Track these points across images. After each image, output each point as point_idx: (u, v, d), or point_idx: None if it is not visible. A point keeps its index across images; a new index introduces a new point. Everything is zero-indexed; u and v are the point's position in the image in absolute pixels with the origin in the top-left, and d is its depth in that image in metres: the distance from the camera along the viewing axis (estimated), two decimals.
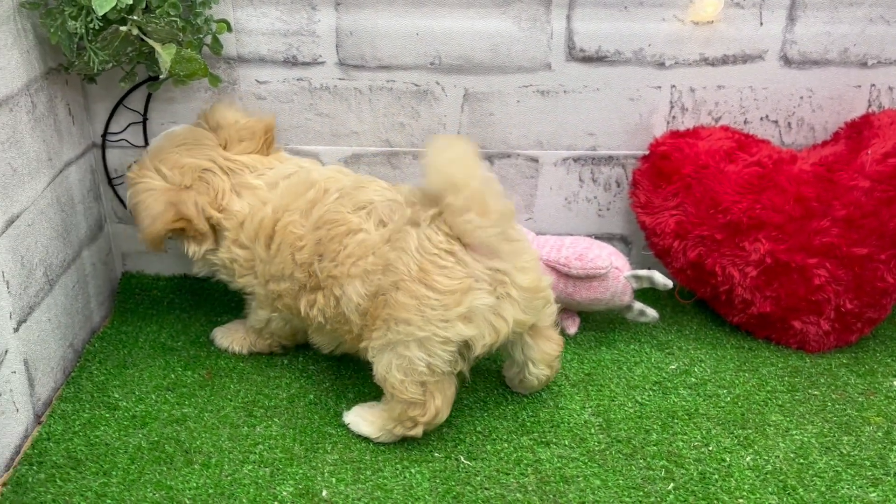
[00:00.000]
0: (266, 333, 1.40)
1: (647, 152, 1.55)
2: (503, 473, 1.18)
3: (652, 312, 1.50)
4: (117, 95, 1.46)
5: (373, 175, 1.55)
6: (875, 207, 1.39)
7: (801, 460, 1.21)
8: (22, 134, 1.23)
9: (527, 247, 1.20)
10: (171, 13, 1.26)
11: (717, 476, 1.18)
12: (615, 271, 1.43)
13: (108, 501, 1.10)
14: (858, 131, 1.50)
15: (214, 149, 1.32)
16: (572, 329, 1.53)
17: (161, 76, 1.28)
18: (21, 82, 1.23)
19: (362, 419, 1.24)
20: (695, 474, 1.18)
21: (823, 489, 1.15)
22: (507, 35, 1.47)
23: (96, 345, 1.46)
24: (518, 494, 1.13)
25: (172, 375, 1.38)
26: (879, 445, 1.24)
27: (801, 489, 1.15)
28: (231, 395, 1.33)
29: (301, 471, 1.17)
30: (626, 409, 1.33)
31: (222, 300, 1.61)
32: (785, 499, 1.13)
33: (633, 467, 1.19)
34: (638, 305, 1.50)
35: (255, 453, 1.20)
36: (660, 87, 1.54)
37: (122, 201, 1.55)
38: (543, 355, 1.28)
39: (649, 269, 1.45)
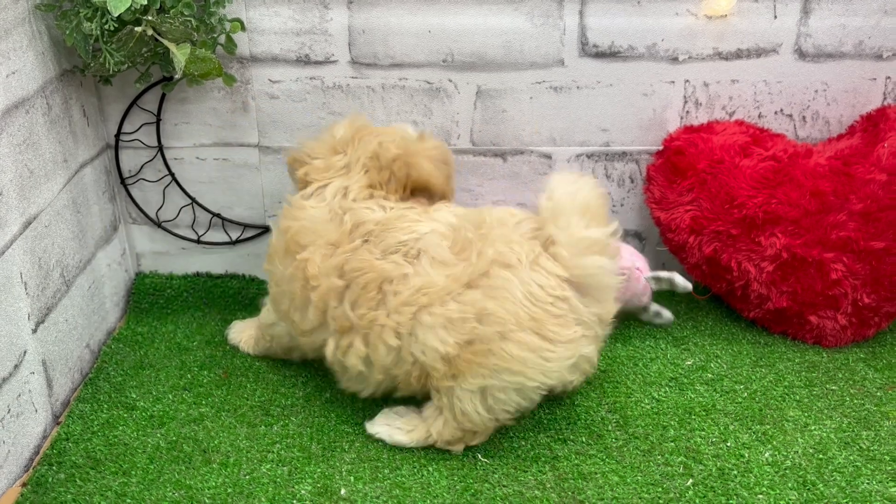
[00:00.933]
0: (267, 335, 1.39)
1: (661, 148, 1.54)
2: (521, 471, 1.17)
3: (667, 314, 1.50)
4: (131, 96, 1.47)
5: None
6: (892, 201, 1.38)
7: (820, 455, 1.21)
8: (38, 136, 1.24)
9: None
10: (186, 13, 1.26)
11: (735, 472, 1.17)
12: (636, 272, 1.43)
13: (128, 501, 1.10)
14: (874, 124, 1.48)
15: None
16: None
17: (176, 76, 1.28)
18: (37, 84, 1.24)
19: (398, 430, 1.22)
20: (713, 470, 1.18)
21: (843, 484, 1.15)
22: (520, 31, 1.47)
23: (112, 346, 1.47)
24: (536, 491, 1.13)
25: (189, 375, 1.38)
26: None
27: (820, 484, 1.15)
28: (248, 395, 1.34)
29: (319, 469, 1.17)
30: (642, 405, 1.32)
31: (236, 299, 1.62)
32: (805, 494, 1.13)
33: (651, 463, 1.19)
34: (654, 307, 1.50)
35: (273, 452, 1.20)
36: (673, 82, 1.53)
37: (135, 202, 1.56)
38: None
39: (663, 265, 1.45)
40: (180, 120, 1.51)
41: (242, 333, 1.46)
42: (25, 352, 1.17)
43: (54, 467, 1.17)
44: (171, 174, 1.54)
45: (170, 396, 1.33)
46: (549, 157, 1.58)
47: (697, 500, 1.12)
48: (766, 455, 1.21)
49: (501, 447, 1.22)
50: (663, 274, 1.43)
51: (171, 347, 1.47)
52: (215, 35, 1.35)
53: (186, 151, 1.53)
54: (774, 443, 1.24)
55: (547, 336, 1.08)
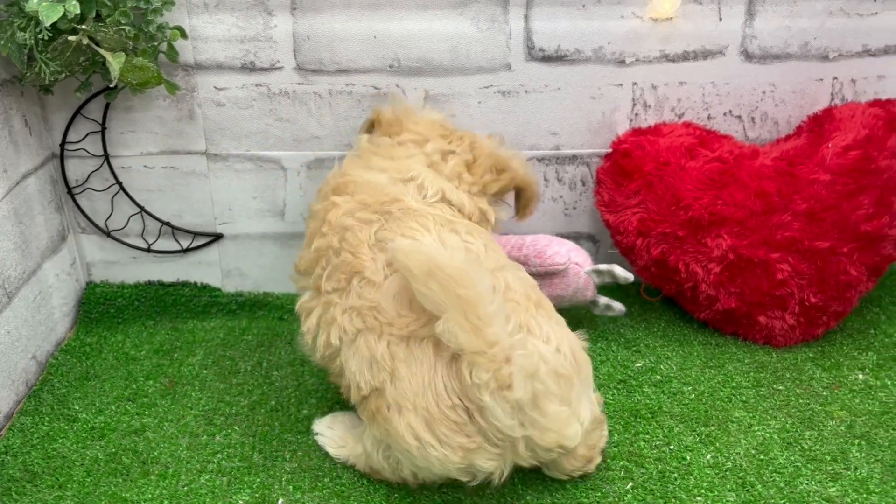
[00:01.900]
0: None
1: (610, 150, 1.55)
2: None
3: (618, 306, 1.50)
4: (75, 105, 1.46)
5: None
6: (836, 201, 1.39)
7: (762, 456, 1.21)
8: None
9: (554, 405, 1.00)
10: (122, 21, 1.26)
11: (676, 475, 1.17)
12: (575, 267, 1.43)
13: None
14: (820, 125, 1.49)
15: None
16: None
17: (111, 85, 1.27)
18: None
19: (330, 441, 1.20)
20: (654, 473, 1.18)
21: (782, 485, 1.15)
22: (466, 36, 1.47)
23: (59, 357, 1.46)
24: (475, 497, 1.13)
25: (134, 385, 1.37)
26: (841, 440, 1.24)
27: (759, 485, 1.15)
28: (192, 404, 1.33)
29: (259, 479, 1.16)
30: None
31: (188, 306, 1.61)
32: (743, 495, 1.13)
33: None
34: (603, 300, 1.50)
35: (214, 462, 1.20)
36: (621, 85, 1.53)
37: (83, 211, 1.55)
38: (559, 467, 1.14)
39: (610, 264, 1.45)
40: (126, 129, 1.50)
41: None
42: None
43: None
44: (119, 183, 1.53)
45: (113, 407, 1.32)
46: None
47: None
48: (708, 457, 1.21)
49: None
50: (602, 267, 1.43)
51: (119, 357, 1.45)
52: (156, 43, 1.34)
53: (133, 160, 1.52)
54: (717, 444, 1.24)
55: (435, 433, 0.98)
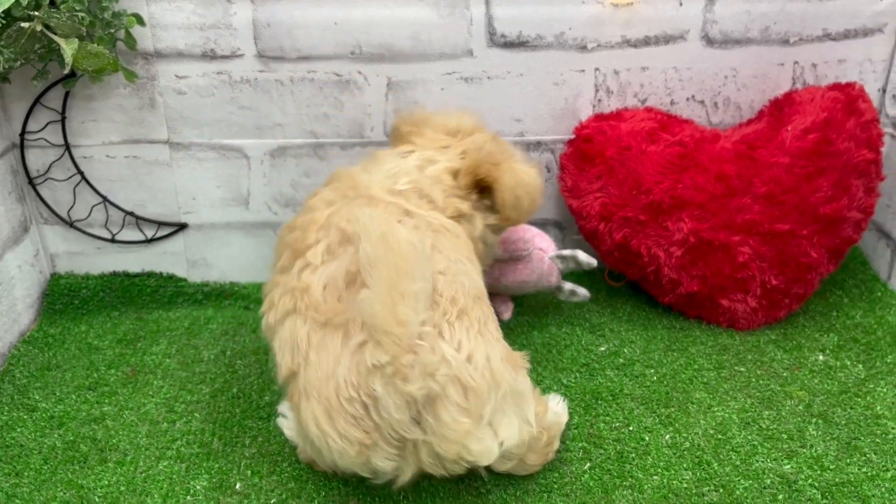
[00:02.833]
0: None
1: (573, 136, 1.55)
2: None
3: (583, 291, 1.50)
4: (34, 94, 1.45)
5: (301, 167, 1.55)
6: (795, 183, 1.40)
7: (720, 436, 1.22)
8: None
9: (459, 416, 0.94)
10: (76, 8, 1.25)
11: (634, 455, 1.18)
12: (539, 253, 1.43)
13: (18, 502, 1.09)
14: (780, 109, 1.50)
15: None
16: (506, 315, 1.53)
17: (65, 71, 1.26)
18: None
19: (286, 421, 1.18)
20: (612, 454, 1.18)
21: (738, 463, 1.16)
22: (427, 22, 1.46)
23: (21, 348, 1.45)
24: (434, 479, 1.13)
25: (95, 375, 1.37)
26: (799, 419, 1.25)
27: (715, 464, 1.16)
28: (153, 392, 1.32)
29: (217, 465, 1.16)
30: (551, 391, 1.33)
31: (154, 297, 1.60)
32: (699, 474, 1.14)
33: None
34: (568, 286, 1.50)
35: (173, 449, 1.19)
36: (583, 71, 1.53)
37: (45, 202, 1.54)
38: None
39: (574, 249, 1.45)
40: (87, 118, 1.49)
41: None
42: None
43: None
44: (81, 173, 1.52)
45: (73, 397, 1.31)
46: None
47: (592, 484, 1.13)
48: (667, 437, 1.22)
49: None
50: (566, 252, 1.44)
51: (82, 347, 1.45)
52: (112, 30, 1.33)
53: (95, 149, 1.52)
54: (677, 425, 1.25)
55: (335, 425, 0.93)
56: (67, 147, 1.50)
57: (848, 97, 1.44)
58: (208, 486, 1.12)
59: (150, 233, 1.59)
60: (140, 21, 1.36)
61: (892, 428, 1.22)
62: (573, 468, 1.16)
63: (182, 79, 1.47)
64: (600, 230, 1.49)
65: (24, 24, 1.22)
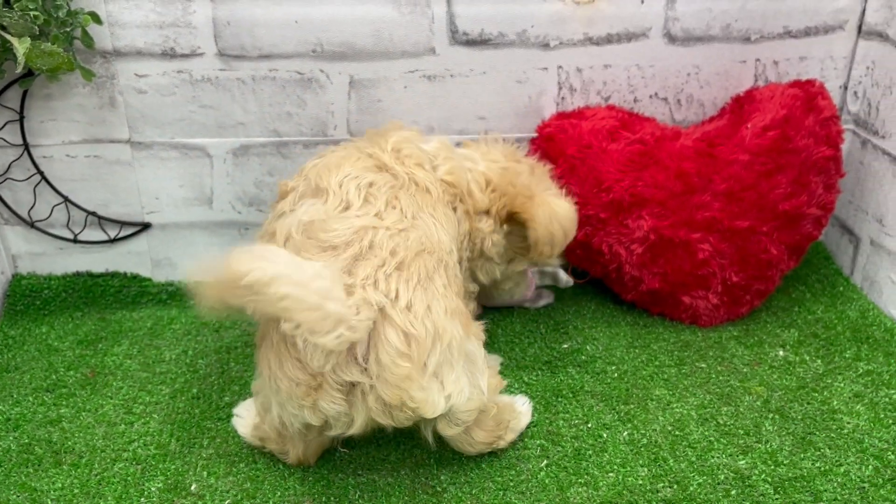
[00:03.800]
0: None
1: (535, 135, 1.55)
2: (378, 459, 1.17)
3: (549, 295, 1.52)
4: None
5: (264, 166, 1.55)
6: (755, 180, 1.41)
7: (678, 432, 1.22)
8: None
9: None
10: (30, 7, 1.24)
11: (591, 452, 1.18)
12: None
13: None
14: (741, 106, 1.51)
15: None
16: (543, 301, 1.58)
17: (18, 71, 1.25)
18: None
19: (238, 415, 1.23)
20: (570, 451, 1.19)
21: (694, 459, 1.17)
22: (389, 20, 1.46)
23: None
24: (390, 479, 1.13)
25: (54, 376, 1.36)
26: (756, 414, 1.26)
27: (671, 460, 1.16)
28: (112, 394, 1.32)
29: (174, 466, 1.16)
30: (511, 390, 1.33)
31: (117, 297, 1.59)
32: (654, 470, 1.15)
33: (509, 448, 1.19)
34: (543, 300, 1.54)
35: (129, 451, 1.19)
36: (546, 69, 1.54)
37: (4, 202, 1.52)
38: (458, 445, 1.15)
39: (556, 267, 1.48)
40: (46, 117, 1.47)
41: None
42: None
43: None
44: (41, 173, 1.51)
45: (30, 399, 1.30)
46: None
47: (548, 481, 1.13)
48: (625, 434, 1.22)
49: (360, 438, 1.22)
50: (548, 270, 1.46)
51: (41, 349, 1.44)
52: (68, 29, 1.32)
53: (55, 149, 1.50)
54: (635, 422, 1.25)
55: (283, 367, 0.96)
56: (27, 147, 1.48)
57: (807, 94, 1.45)
58: (163, 488, 1.12)
59: (113, 233, 1.58)
60: (97, 19, 1.35)
61: (847, 423, 1.23)
62: (530, 465, 1.16)
63: (142, 78, 1.46)
64: None
65: None
